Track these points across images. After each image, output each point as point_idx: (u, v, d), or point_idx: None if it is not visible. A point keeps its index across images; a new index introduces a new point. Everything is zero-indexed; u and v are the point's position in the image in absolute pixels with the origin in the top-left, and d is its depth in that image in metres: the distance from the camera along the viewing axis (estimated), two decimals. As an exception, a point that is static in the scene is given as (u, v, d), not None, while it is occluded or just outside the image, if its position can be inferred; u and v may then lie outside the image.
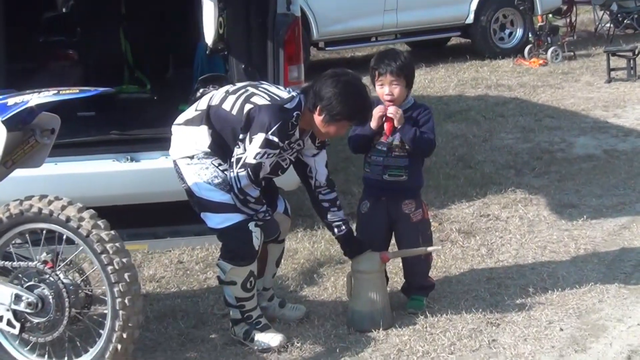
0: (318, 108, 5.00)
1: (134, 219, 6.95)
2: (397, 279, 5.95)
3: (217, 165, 5.05)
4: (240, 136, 4.98)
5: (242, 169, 4.92)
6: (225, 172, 5.02)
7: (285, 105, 5.00)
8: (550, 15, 14.60)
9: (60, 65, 8.87)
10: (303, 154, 5.28)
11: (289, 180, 5.66)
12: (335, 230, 5.42)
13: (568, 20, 15.27)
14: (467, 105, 11.15)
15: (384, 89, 5.36)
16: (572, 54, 13.83)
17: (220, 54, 7.36)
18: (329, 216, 5.37)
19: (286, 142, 5.03)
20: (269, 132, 4.89)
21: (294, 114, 5.01)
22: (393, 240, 5.71)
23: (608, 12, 15.28)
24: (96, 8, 9.13)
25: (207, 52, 7.33)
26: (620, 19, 15.12)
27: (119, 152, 6.82)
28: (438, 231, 6.96)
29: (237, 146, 4.99)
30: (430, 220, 5.82)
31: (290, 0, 6.89)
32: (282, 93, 5.09)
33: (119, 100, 8.43)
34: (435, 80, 12.86)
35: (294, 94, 5.10)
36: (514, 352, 4.95)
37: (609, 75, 12.12)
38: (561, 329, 5.18)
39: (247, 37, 7.12)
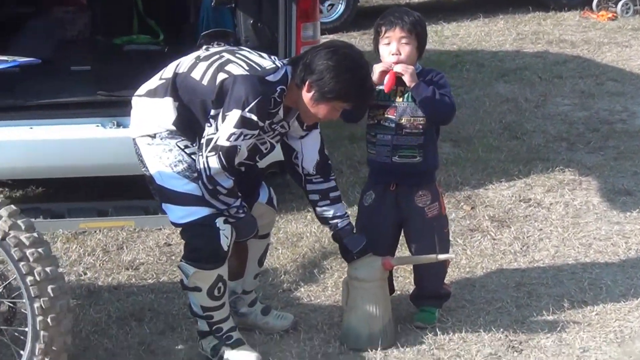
0: (307, 83, 4.09)
1: (123, 190, 6.14)
2: (407, 283, 5.04)
3: (182, 147, 4.16)
4: (212, 112, 4.08)
5: (213, 153, 4.02)
6: (193, 157, 4.12)
7: (267, 77, 4.08)
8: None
9: (64, 11, 7.99)
10: (288, 136, 4.36)
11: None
12: (329, 227, 4.52)
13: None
14: (523, 63, 10.10)
15: (391, 46, 4.42)
16: (645, 7, 12.63)
17: (228, 6, 6.42)
18: (317, 211, 4.48)
19: (267, 122, 4.12)
20: (246, 109, 3.99)
21: (278, 88, 4.09)
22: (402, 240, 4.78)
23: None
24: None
25: (213, 4, 6.41)
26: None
27: (105, 115, 5.95)
28: (469, 217, 6.03)
29: (208, 124, 4.09)
30: (447, 215, 4.86)
31: None
32: (265, 62, 4.16)
33: (124, 53, 7.53)
34: (492, 34, 11.77)
35: (279, 64, 4.19)
36: (535, 392, 4.02)
37: (685, 34, 10.97)
38: (597, 361, 4.24)
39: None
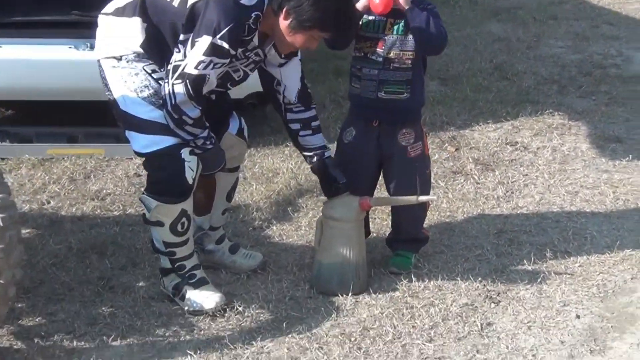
0: (284, 10, 3.82)
1: (95, 117, 5.88)
2: (384, 226, 4.81)
3: (149, 72, 3.90)
4: (181, 37, 3.82)
5: (179, 81, 3.76)
6: (160, 82, 3.86)
7: (242, 1, 3.80)
8: None
9: None
10: (267, 63, 4.10)
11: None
12: (308, 159, 4.28)
13: None
14: (518, 3, 9.83)
15: None
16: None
17: None
18: (299, 141, 4.24)
19: (240, 50, 3.85)
20: (217, 36, 3.72)
21: (253, 14, 3.81)
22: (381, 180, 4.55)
23: None
24: None
25: None
26: None
27: (78, 37, 5.66)
28: (452, 159, 5.80)
29: (177, 50, 3.82)
30: (430, 156, 4.63)
31: None
32: None
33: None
34: None
35: None
36: (510, 346, 3.81)
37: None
38: (577, 316, 4.03)
39: None
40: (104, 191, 5.27)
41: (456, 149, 5.96)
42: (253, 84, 4.41)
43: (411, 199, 4.22)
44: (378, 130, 4.34)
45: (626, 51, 8.07)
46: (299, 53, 4.17)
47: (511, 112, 6.56)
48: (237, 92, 4.64)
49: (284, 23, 3.84)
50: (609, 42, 8.34)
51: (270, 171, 5.58)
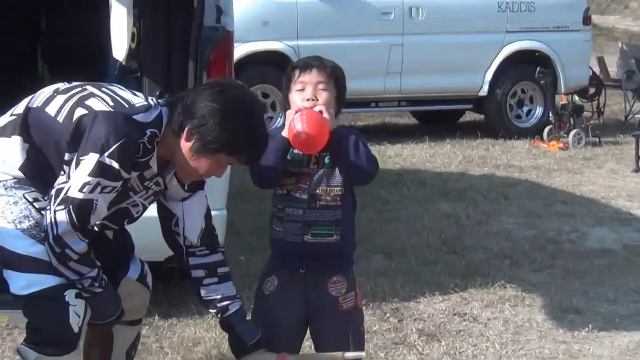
0: (186, 130, 3.31)
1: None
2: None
3: (31, 200, 3.37)
4: (66, 156, 3.32)
5: (62, 207, 3.22)
6: (43, 212, 3.30)
7: (135, 116, 3.31)
8: (576, 97, 12.87)
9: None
10: (167, 197, 3.55)
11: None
12: (215, 311, 3.69)
13: (595, 103, 13.55)
14: (467, 184, 9.42)
15: (305, 91, 3.67)
16: (596, 139, 12.04)
17: (133, 75, 5.69)
18: (202, 292, 3.67)
19: (135, 173, 3.33)
20: (105, 153, 3.22)
21: (148, 131, 3.32)
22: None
23: (641, 99, 13.57)
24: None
25: (116, 72, 5.68)
26: (654, 107, 13.38)
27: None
28: (394, 330, 5.24)
29: (62, 172, 3.29)
30: (364, 310, 4.04)
31: (221, 9, 5.21)
32: (136, 99, 3.42)
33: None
34: (437, 156, 11.08)
35: (153, 102, 3.41)
36: None
37: (637, 164, 10.37)
38: None
39: (166, 55, 5.46)
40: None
41: (399, 320, 5.41)
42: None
43: (337, 355, 3.61)
44: (304, 279, 3.76)
45: (581, 227, 7.63)
46: (205, 186, 3.63)
47: (460, 284, 6.03)
48: (155, 255, 4.10)
49: (185, 145, 3.33)
50: (564, 219, 7.91)
51: (191, 340, 4.98)
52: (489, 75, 12.24)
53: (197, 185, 3.57)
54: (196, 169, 3.36)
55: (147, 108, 3.35)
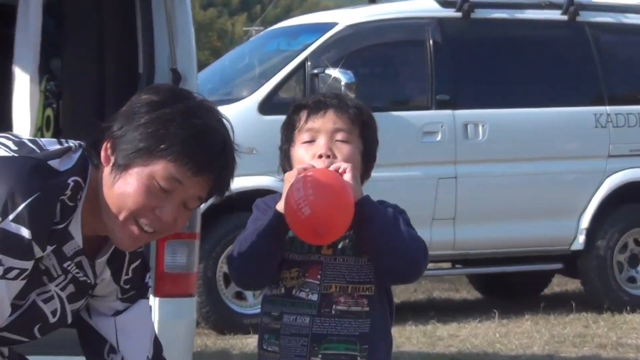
0: (104, 145, 2.42)
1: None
2: None
3: None
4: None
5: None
6: None
7: (50, 162, 2.42)
8: None
9: None
10: (93, 310, 2.62)
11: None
12: None
13: None
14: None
15: (317, 143, 2.78)
16: None
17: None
18: None
19: (51, 247, 2.40)
20: (9, 216, 2.32)
21: (70, 180, 2.41)
22: None
23: None
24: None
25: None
26: None
27: None
28: None
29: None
30: None
31: (180, 75, 4.78)
32: (49, 142, 2.54)
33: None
34: (511, 335, 9.07)
35: (72, 144, 2.53)
36: None
37: None
38: None
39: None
40: None
41: None
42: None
43: None
44: None
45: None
46: (149, 289, 2.69)
47: None
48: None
49: (107, 170, 2.40)
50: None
51: None
52: (585, 221, 9.48)
53: (138, 292, 2.65)
54: (124, 202, 2.36)
55: (65, 151, 2.50)
